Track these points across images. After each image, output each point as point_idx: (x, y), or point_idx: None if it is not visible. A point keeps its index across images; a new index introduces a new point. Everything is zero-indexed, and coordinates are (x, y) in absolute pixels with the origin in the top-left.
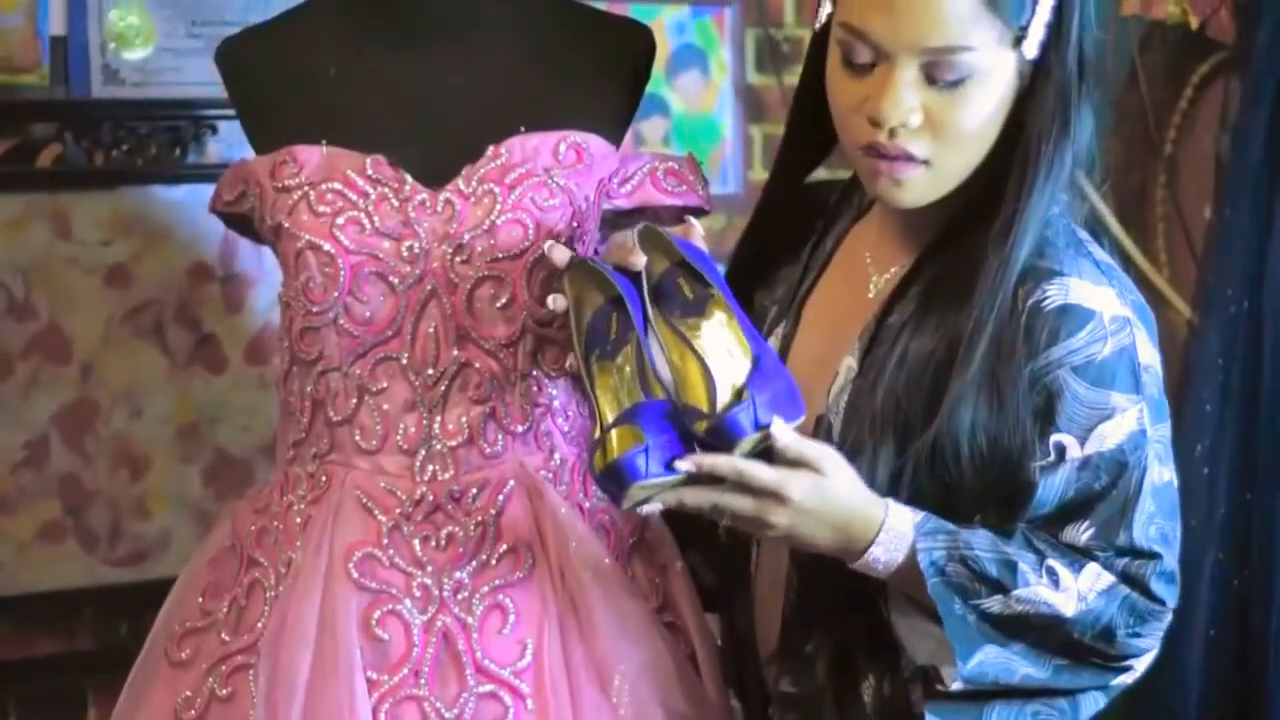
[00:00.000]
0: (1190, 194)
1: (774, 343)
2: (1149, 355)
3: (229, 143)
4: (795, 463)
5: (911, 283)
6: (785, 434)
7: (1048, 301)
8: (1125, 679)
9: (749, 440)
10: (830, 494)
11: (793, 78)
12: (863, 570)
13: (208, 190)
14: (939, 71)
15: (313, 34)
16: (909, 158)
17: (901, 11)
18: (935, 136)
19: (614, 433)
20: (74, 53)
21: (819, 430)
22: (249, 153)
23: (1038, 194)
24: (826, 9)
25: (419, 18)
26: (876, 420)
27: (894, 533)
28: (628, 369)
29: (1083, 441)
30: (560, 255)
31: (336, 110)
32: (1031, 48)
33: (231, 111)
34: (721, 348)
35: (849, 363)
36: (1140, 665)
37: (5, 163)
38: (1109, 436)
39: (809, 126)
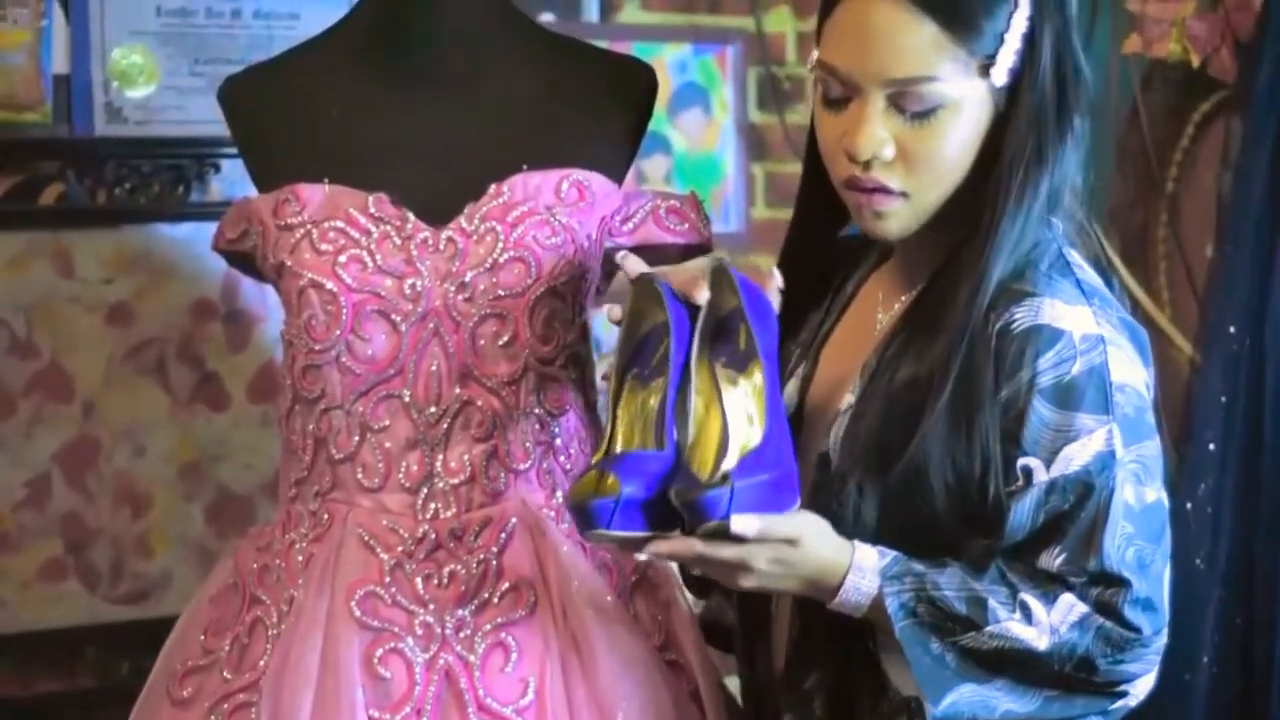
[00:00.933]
0: (1192, 232)
1: (793, 384)
2: (1126, 374)
3: (232, 181)
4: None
5: (909, 315)
6: (750, 528)
7: (1016, 324)
8: (1125, 703)
9: (714, 525)
10: (798, 559)
11: (795, 116)
12: (841, 611)
13: (210, 228)
14: (907, 102)
15: (315, 73)
16: (885, 190)
17: (866, 46)
18: (909, 168)
19: (606, 476)
20: (77, 91)
21: (821, 466)
22: (252, 191)
23: (1008, 221)
24: (815, 54)
25: (421, 57)
26: (863, 453)
27: (860, 575)
28: (652, 403)
29: (1048, 464)
30: (634, 265)
31: (339, 149)
32: (1000, 75)
33: (234, 150)
34: (745, 412)
35: (849, 399)
36: (1139, 689)
37: (8, 200)
38: (1075, 458)
39: (818, 181)
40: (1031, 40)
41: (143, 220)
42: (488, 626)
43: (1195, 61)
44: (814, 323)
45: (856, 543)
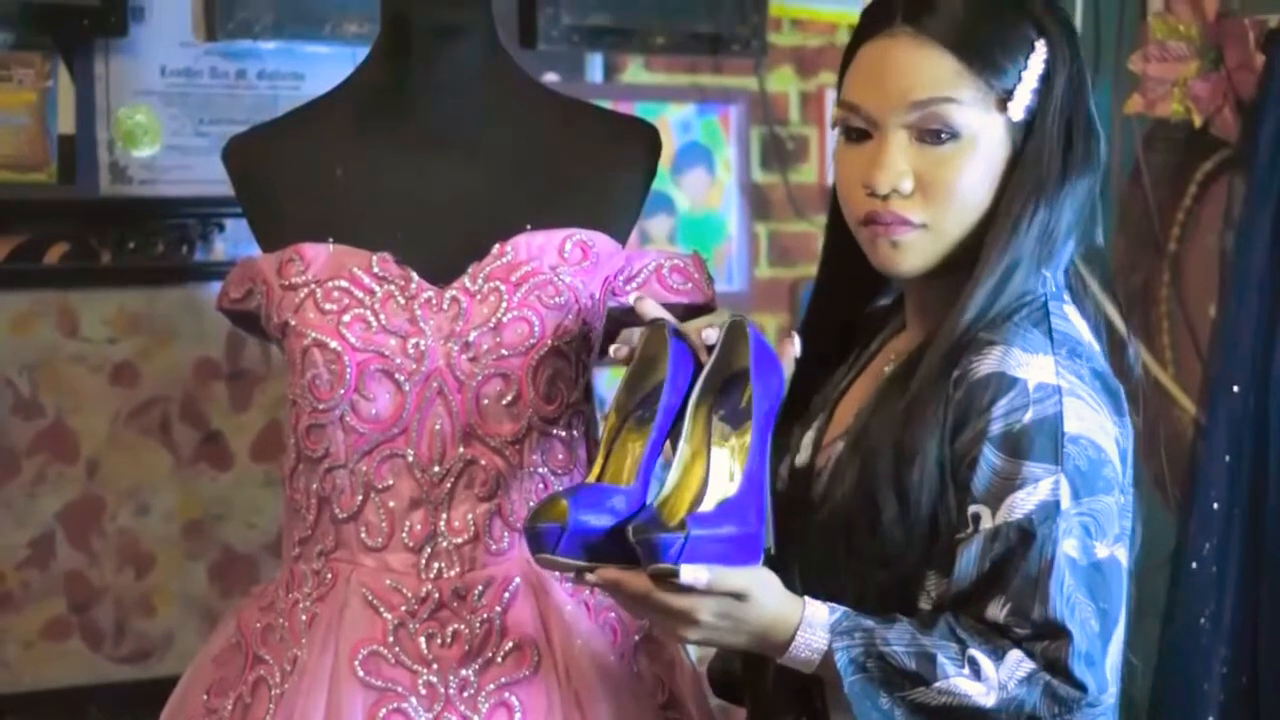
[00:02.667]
0: (1195, 292)
1: (809, 435)
2: (1084, 426)
3: (236, 240)
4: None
5: (901, 365)
6: (699, 579)
7: (973, 371)
8: None
9: (663, 568)
10: (745, 613)
11: (797, 175)
12: (791, 666)
13: (214, 288)
14: (926, 124)
15: (319, 133)
16: (904, 222)
17: (887, 78)
18: (928, 199)
19: (559, 502)
20: (82, 151)
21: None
22: (256, 250)
23: (990, 265)
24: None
25: (425, 117)
26: (844, 508)
27: (811, 631)
28: (641, 451)
29: (994, 512)
30: (650, 309)
31: (343, 208)
32: (1018, 110)
33: (238, 209)
34: (728, 469)
35: (838, 447)
36: None
37: (13, 260)
38: (1018, 507)
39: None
40: (1047, 82)
41: (147, 280)
42: (491, 686)
43: (1197, 121)
44: (837, 378)
45: (807, 599)
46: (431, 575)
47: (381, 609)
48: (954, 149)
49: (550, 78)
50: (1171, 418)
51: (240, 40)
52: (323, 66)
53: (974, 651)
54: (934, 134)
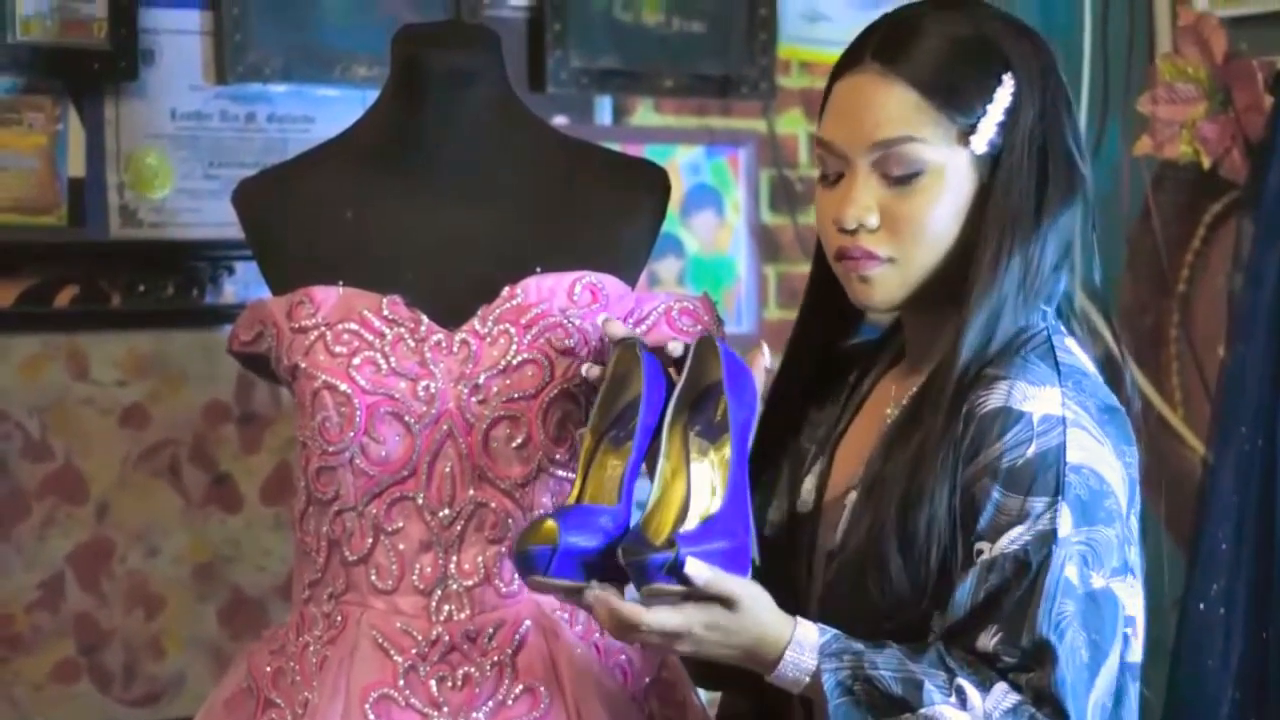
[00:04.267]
0: (1204, 333)
1: (810, 481)
2: (1087, 457)
3: (246, 283)
4: (708, 596)
5: (908, 408)
6: (701, 574)
7: (980, 406)
8: None
9: (660, 587)
10: (736, 625)
11: (807, 217)
12: (780, 685)
13: (224, 331)
14: (891, 165)
15: (329, 176)
16: (871, 256)
17: (853, 116)
18: (894, 234)
19: (546, 522)
20: (92, 194)
21: (828, 563)
22: (266, 293)
23: (978, 298)
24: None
25: (434, 160)
26: (859, 557)
27: (800, 651)
28: (621, 471)
29: (993, 544)
30: (616, 329)
31: (353, 251)
32: (980, 143)
33: (248, 252)
34: (709, 483)
35: (853, 495)
36: None
37: (23, 303)
38: (1016, 538)
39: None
40: (1014, 115)
41: (157, 323)
42: None
43: (1206, 163)
44: (831, 420)
45: (799, 619)
46: (442, 618)
47: (392, 652)
48: (919, 185)
49: (560, 120)
50: (1180, 458)
51: (250, 83)
52: (332, 109)
53: (961, 681)
54: (899, 174)
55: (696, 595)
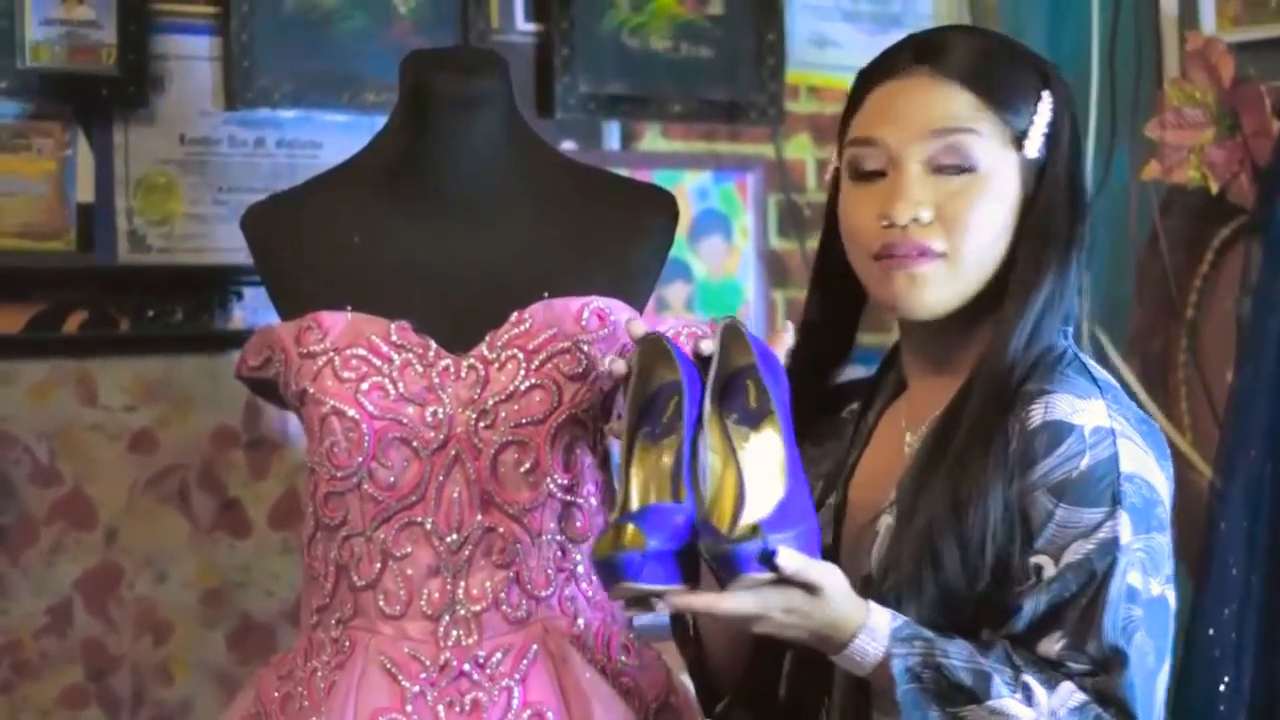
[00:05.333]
0: (1212, 357)
1: (825, 514)
2: (1137, 466)
3: (254, 309)
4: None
5: (940, 430)
6: (791, 562)
7: (1031, 421)
8: None
9: (752, 578)
10: (815, 609)
11: (815, 242)
12: (842, 665)
13: (233, 356)
14: (945, 157)
15: (337, 201)
16: (924, 252)
17: (907, 112)
18: (948, 229)
19: (628, 528)
20: (100, 219)
21: (864, 589)
22: (274, 318)
23: (1020, 305)
24: (833, 164)
25: (442, 184)
26: (906, 570)
27: (871, 637)
28: (666, 461)
29: (1057, 560)
30: (638, 328)
31: (361, 276)
32: (1032, 148)
33: (257, 277)
34: (761, 468)
35: (887, 520)
36: None
37: (31, 328)
38: (1080, 550)
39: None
40: (1055, 130)
41: (165, 348)
42: None
43: (1214, 188)
44: (838, 455)
45: (871, 603)
46: (450, 643)
47: (400, 677)
48: (971, 181)
49: (568, 145)
50: (1189, 482)
51: (259, 109)
52: (341, 135)
53: (1028, 678)
54: (952, 166)
55: (780, 581)
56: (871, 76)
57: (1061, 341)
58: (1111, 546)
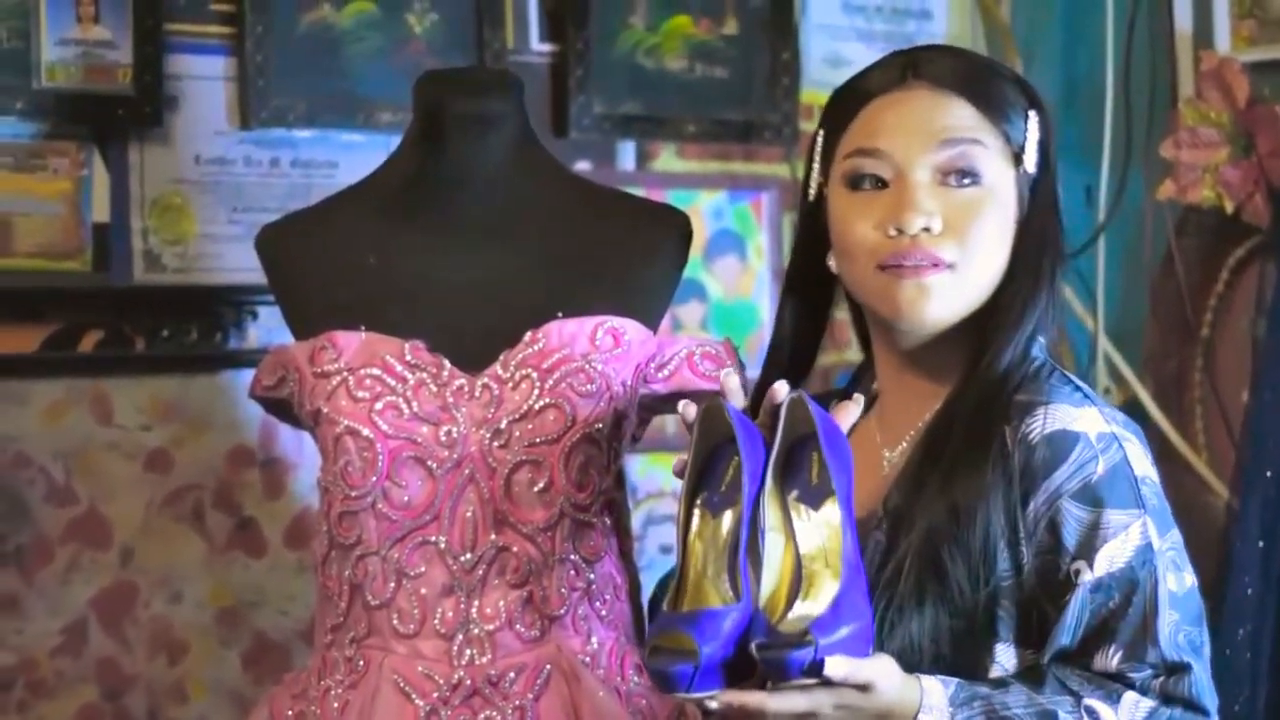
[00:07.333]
0: (1227, 377)
1: None
2: (1144, 467)
3: (269, 328)
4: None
5: (926, 443)
6: (839, 670)
7: (1032, 432)
8: None
9: (800, 683)
10: (866, 702)
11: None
12: None
13: (247, 375)
14: (955, 164)
15: (352, 221)
16: (935, 263)
17: (912, 123)
18: (958, 239)
19: (680, 635)
20: (116, 239)
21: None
22: (289, 338)
23: (1014, 316)
24: (816, 180)
25: (457, 205)
26: (908, 583)
27: (930, 712)
28: (722, 536)
29: (1092, 564)
30: (732, 383)
31: (375, 296)
32: (1030, 164)
33: (271, 297)
34: (820, 552)
35: (876, 536)
36: None
37: (47, 348)
38: (1117, 556)
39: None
40: (1045, 148)
41: (180, 367)
42: None
43: (1229, 207)
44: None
45: (922, 677)
46: (463, 662)
47: (414, 696)
48: (977, 194)
49: (582, 166)
50: (1204, 503)
51: (274, 129)
52: (356, 155)
53: (1090, 701)
54: (959, 175)
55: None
56: (862, 91)
57: (1038, 353)
58: (1147, 553)
